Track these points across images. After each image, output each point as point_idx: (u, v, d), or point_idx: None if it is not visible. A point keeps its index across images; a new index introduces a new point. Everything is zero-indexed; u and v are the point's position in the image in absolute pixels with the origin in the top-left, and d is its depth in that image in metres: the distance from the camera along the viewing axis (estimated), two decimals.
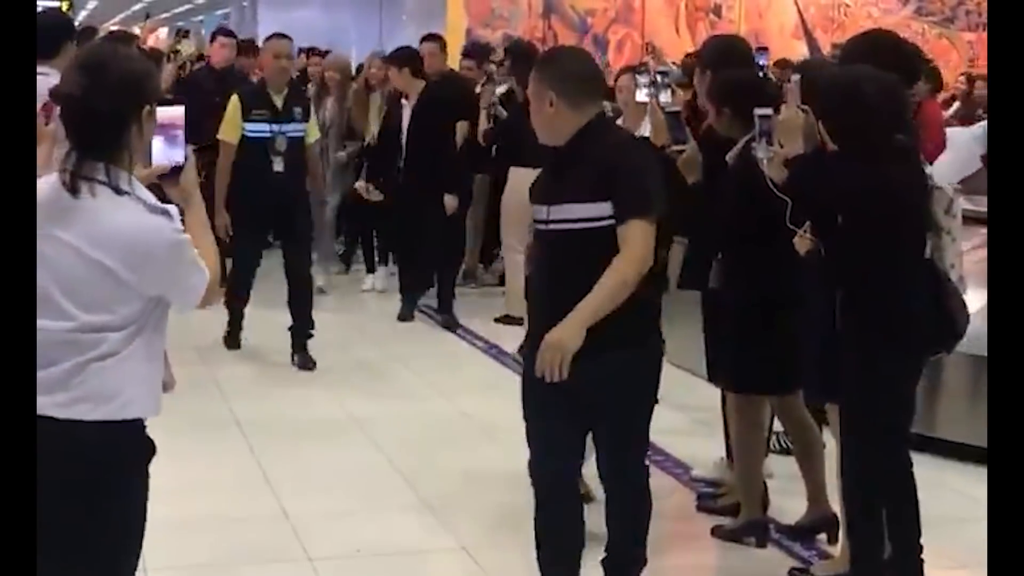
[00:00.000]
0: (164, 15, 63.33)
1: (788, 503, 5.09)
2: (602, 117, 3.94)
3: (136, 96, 2.85)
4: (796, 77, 4.74)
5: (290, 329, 7.68)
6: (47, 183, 2.87)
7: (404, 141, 8.84)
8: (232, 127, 7.62)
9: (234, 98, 7.73)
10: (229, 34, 10.47)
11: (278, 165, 7.56)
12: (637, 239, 3.66)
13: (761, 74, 5.92)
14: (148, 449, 2.89)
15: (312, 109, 8.18)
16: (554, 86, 3.81)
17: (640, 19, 15.50)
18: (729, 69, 4.98)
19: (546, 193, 3.86)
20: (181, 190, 2.96)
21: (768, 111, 4.26)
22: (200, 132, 8.69)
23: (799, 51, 10.87)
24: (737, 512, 5.01)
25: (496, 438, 6.00)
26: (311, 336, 7.68)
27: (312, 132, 7.89)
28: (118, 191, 2.80)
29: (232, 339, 8.02)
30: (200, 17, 63.35)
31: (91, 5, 57.51)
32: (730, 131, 4.80)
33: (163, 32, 13.59)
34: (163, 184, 2.96)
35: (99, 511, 2.82)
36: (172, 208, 2.86)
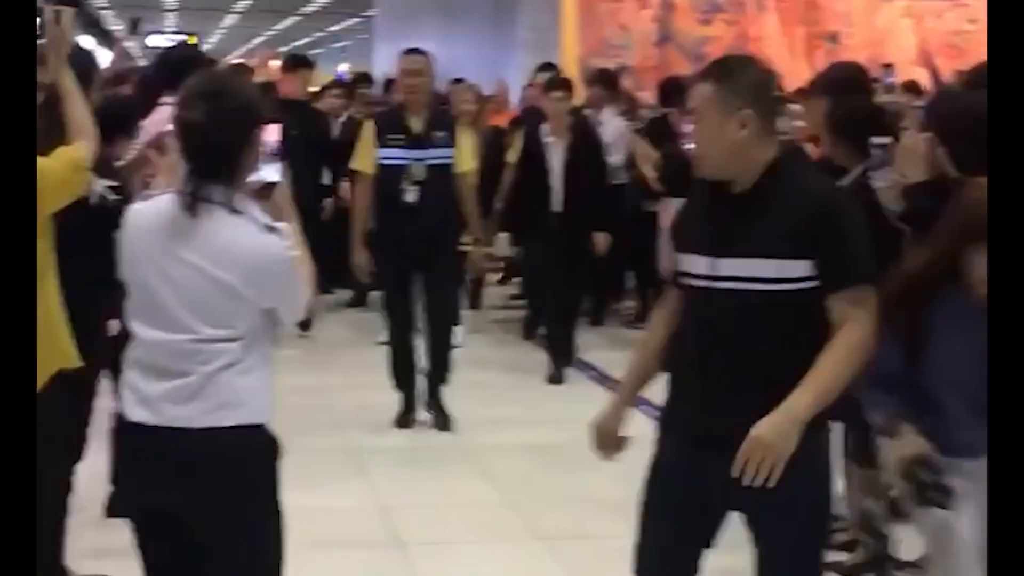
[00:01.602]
0: (282, 48, 64.64)
1: (908, 538, 4.97)
2: (797, 147, 3.37)
3: (251, 121, 3.01)
4: (920, 103, 4.67)
5: (426, 375, 6.92)
6: (162, 204, 3.02)
7: (559, 181, 8.02)
8: (365, 156, 6.80)
9: (368, 123, 7.04)
10: (306, 64, 9.70)
11: (410, 195, 6.63)
12: (864, 314, 2.95)
13: (888, 93, 5.83)
14: (278, 448, 3.07)
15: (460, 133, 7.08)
16: (750, 101, 2.99)
17: (756, 47, 15.40)
18: (847, 97, 4.91)
19: (714, 241, 3.04)
20: (274, 206, 3.10)
21: (885, 140, 4.19)
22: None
23: (920, 78, 10.68)
24: (855, 548, 4.91)
25: (609, 470, 5.94)
26: (445, 382, 6.90)
27: (464, 160, 6.86)
28: (234, 211, 2.96)
29: (402, 420, 6.95)
30: (319, 50, 64.51)
31: (214, 39, 58.88)
32: (846, 160, 4.72)
33: (275, 64, 13.81)
34: (257, 200, 3.08)
35: (248, 510, 3.02)
36: (283, 226, 3.02)
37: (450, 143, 6.76)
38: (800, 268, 2.94)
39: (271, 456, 3.06)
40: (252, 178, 3.07)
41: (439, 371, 6.91)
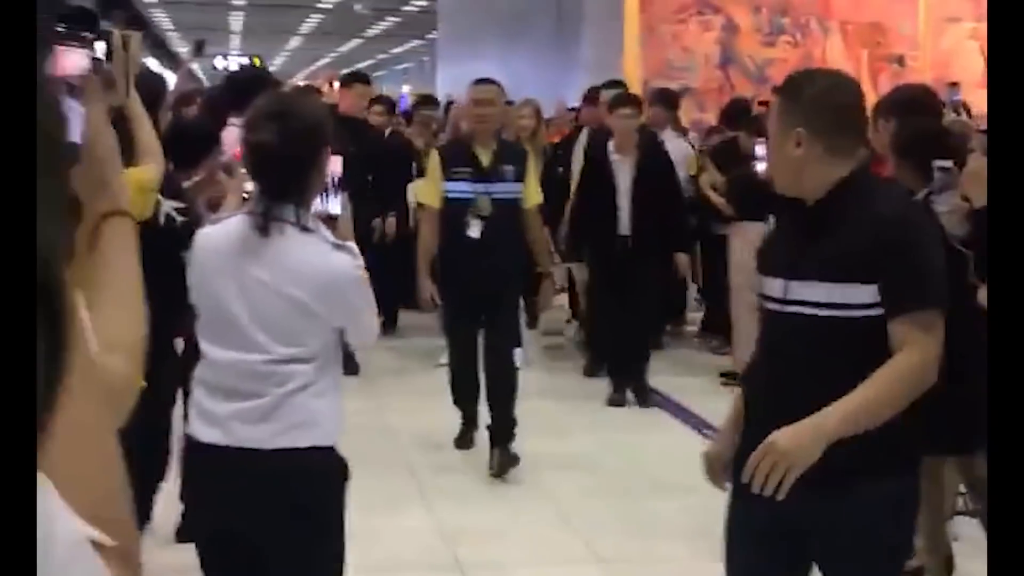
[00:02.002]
0: (347, 69, 64.88)
1: (975, 567, 4.90)
2: (868, 169, 3.23)
3: (319, 140, 3.05)
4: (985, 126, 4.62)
5: (488, 428, 6.48)
6: (231, 226, 3.07)
7: (627, 200, 7.71)
8: (431, 188, 6.59)
9: (433, 154, 6.79)
10: (362, 80, 9.41)
11: (474, 230, 6.34)
12: (927, 339, 2.81)
13: (956, 112, 5.77)
14: (347, 470, 3.12)
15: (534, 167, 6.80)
16: (804, 119, 2.88)
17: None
18: (913, 118, 4.86)
19: (785, 263, 2.93)
20: (338, 238, 3.12)
21: (948, 163, 4.14)
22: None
23: (985, 102, 10.61)
24: (922, 574, 4.86)
25: (673, 494, 5.92)
26: (512, 437, 6.41)
27: (532, 195, 6.60)
28: (305, 229, 3.01)
29: (462, 439, 6.84)
30: (381, 72, 64.96)
31: (279, 60, 59.45)
32: (912, 183, 4.67)
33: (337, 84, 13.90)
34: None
35: (317, 532, 3.06)
36: (353, 246, 3.08)
37: (519, 177, 6.48)
38: (868, 293, 2.78)
39: (342, 478, 3.10)
40: (316, 209, 3.13)
41: (504, 424, 6.41)
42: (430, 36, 34.66)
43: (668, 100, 10.08)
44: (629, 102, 8.03)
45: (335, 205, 3.22)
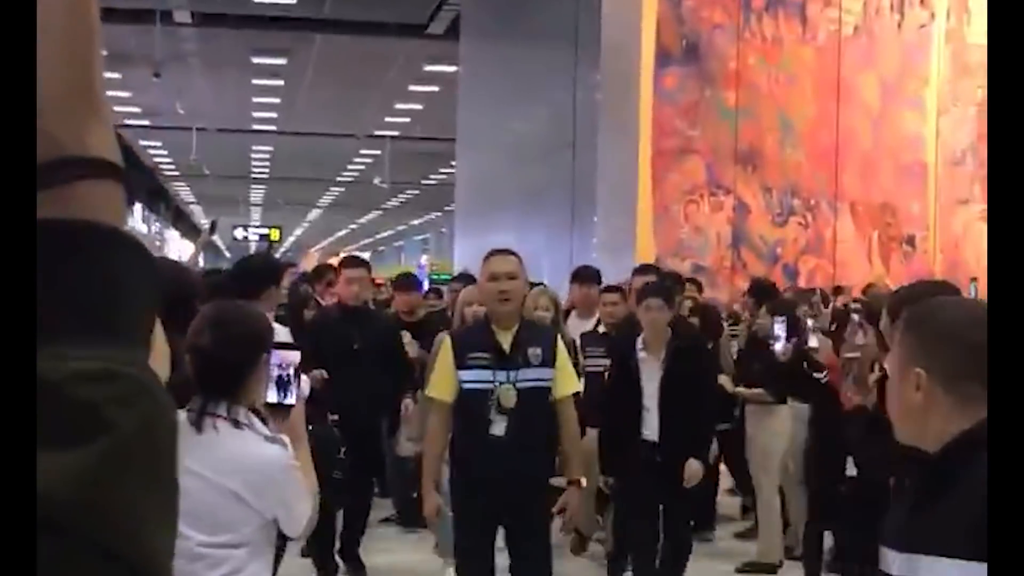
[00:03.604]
0: (367, 240, 65.73)
1: None
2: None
3: (256, 348, 3.29)
4: None
5: None
6: None
7: (655, 402, 6.83)
8: (442, 379, 5.51)
9: (445, 340, 5.76)
10: (359, 264, 8.44)
11: (497, 428, 5.34)
12: None
13: None
14: None
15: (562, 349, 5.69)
16: (927, 359, 2.30)
17: (831, 249, 15.48)
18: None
19: (899, 529, 2.34)
20: (290, 428, 3.37)
21: None
22: (335, 388, 7.41)
23: None
24: None
25: None
26: None
27: (567, 383, 5.58)
28: (237, 424, 3.24)
29: None
30: (400, 242, 65.73)
31: (298, 231, 60.29)
32: None
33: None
34: (273, 419, 3.36)
35: None
36: (285, 438, 3.30)
37: (549, 362, 5.48)
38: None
39: None
40: (270, 399, 3.35)
41: None
42: (448, 208, 35.21)
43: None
44: (659, 292, 7.07)
45: (290, 395, 3.38)
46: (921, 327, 2.37)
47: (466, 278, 10.32)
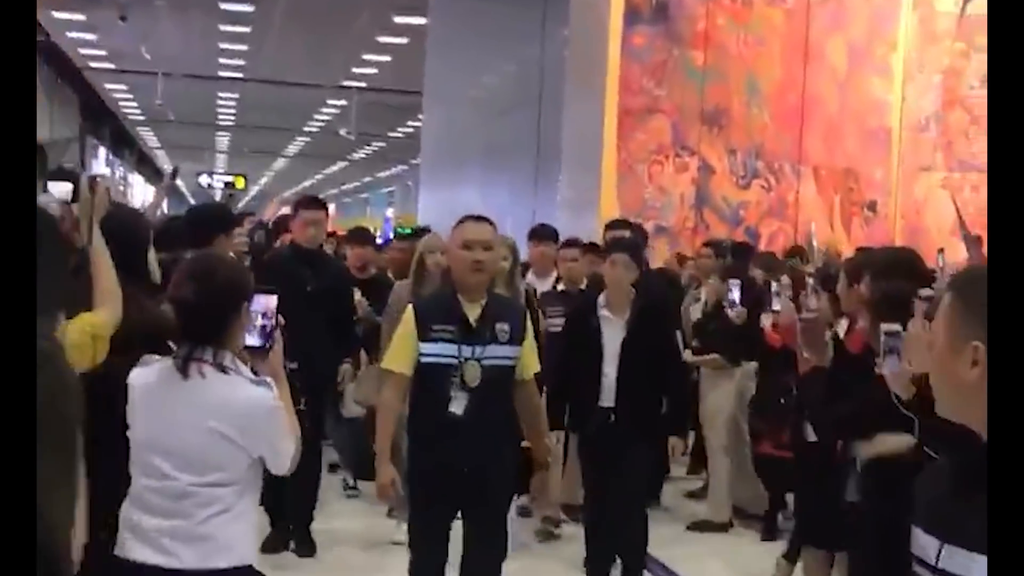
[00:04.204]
0: (332, 191, 65.34)
1: None
2: None
3: (238, 295, 3.44)
4: (926, 293, 4.62)
5: None
6: (159, 367, 3.44)
7: (614, 366, 6.49)
8: (401, 351, 5.18)
9: (408, 310, 5.28)
10: (318, 206, 7.92)
11: (457, 406, 5.06)
12: None
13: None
14: None
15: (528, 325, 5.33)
16: (986, 330, 2.05)
17: (794, 213, 15.54)
18: (891, 281, 4.76)
19: (939, 515, 2.13)
20: (270, 368, 3.53)
21: (895, 327, 4.19)
22: (290, 334, 7.45)
23: (959, 250, 10.77)
24: None
25: None
26: None
27: (532, 363, 5.30)
28: (223, 369, 3.39)
29: None
30: (366, 195, 65.39)
31: (264, 180, 59.89)
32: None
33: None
34: (253, 361, 3.51)
35: None
36: (270, 380, 3.45)
37: (517, 340, 5.19)
38: None
39: None
40: (251, 342, 3.50)
41: None
42: (414, 161, 35.07)
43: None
44: (624, 248, 6.84)
45: (267, 338, 3.52)
46: (978, 291, 2.07)
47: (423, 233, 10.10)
